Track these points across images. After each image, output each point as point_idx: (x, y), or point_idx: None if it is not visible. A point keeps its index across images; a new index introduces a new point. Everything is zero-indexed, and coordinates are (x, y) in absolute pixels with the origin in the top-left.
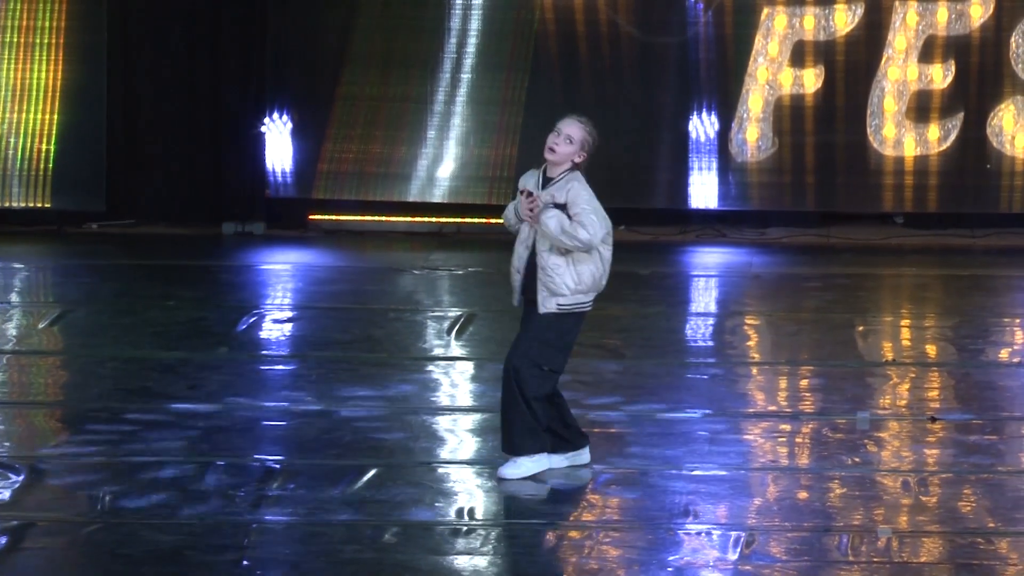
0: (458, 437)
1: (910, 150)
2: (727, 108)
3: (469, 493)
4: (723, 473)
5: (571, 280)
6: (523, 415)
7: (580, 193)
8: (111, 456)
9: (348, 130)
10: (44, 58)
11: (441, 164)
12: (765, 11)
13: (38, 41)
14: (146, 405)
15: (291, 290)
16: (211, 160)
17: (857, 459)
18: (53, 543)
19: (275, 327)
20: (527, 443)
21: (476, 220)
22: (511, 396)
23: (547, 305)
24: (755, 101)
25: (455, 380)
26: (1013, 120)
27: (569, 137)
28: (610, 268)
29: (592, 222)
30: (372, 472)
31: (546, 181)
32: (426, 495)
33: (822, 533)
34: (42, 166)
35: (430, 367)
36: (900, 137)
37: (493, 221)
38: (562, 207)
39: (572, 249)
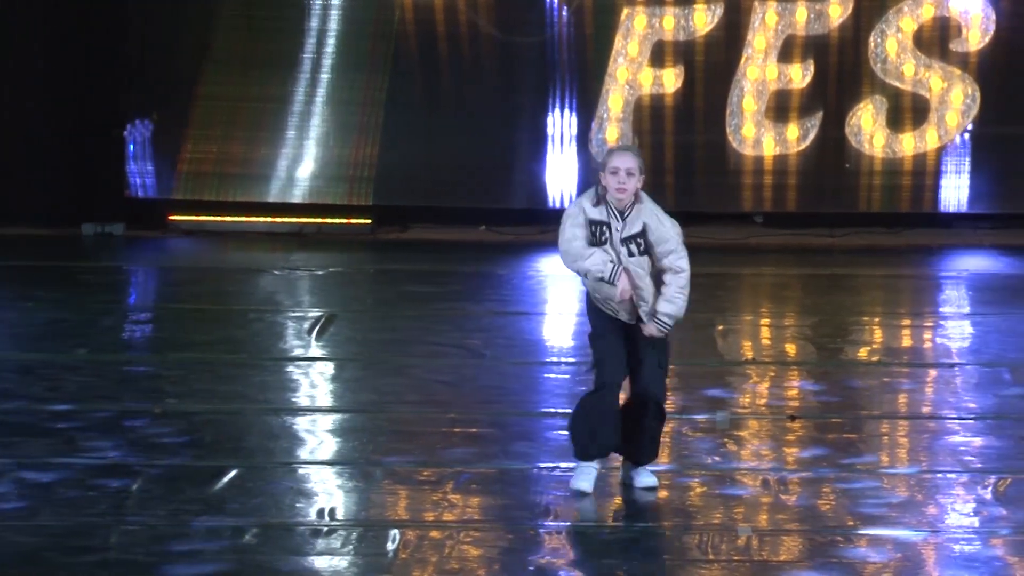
0: (318, 437)
1: (769, 150)
2: (587, 108)
3: (329, 494)
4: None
5: None
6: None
7: (660, 223)
8: None
9: (208, 130)
10: None
11: (301, 164)
12: (625, 11)
13: None
14: (5, 407)
15: (151, 291)
16: (71, 161)
17: (717, 458)
18: None
19: (135, 328)
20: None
21: (336, 220)
22: (656, 414)
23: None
24: (615, 101)
25: (315, 380)
26: (872, 119)
27: (630, 171)
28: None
29: (684, 254)
30: (232, 473)
31: (618, 212)
32: (286, 496)
33: (682, 532)
34: None
35: (290, 367)
36: (759, 137)
37: (353, 221)
38: (638, 235)
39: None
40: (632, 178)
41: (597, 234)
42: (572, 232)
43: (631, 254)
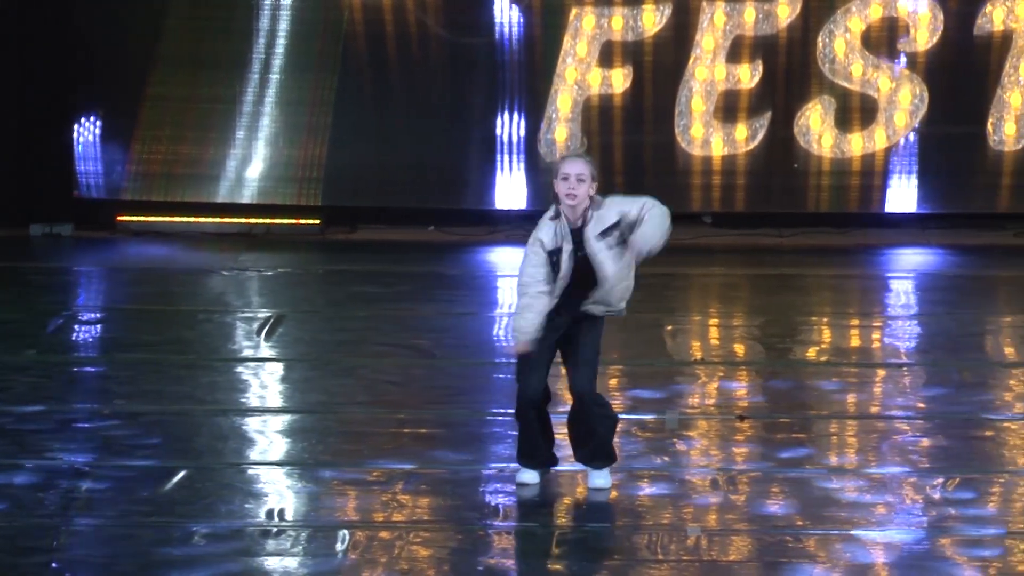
0: (268, 438)
1: (718, 150)
2: (536, 108)
3: (279, 494)
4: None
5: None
6: None
7: (616, 203)
8: None
9: (157, 131)
10: None
11: (250, 165)
12: (573, 11)
13: None
14: None
15: (100, 292)
16: (18, 161)
17: (666, 458)
18: None
19: (84, 329)
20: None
21: (285, 221)
22: (598, 418)
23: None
24: (564, 101)
25: (264, 381)
26: (820, 120)
27: (580, 176)
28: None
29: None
30: (182, 473)
31: (574, 231)
32: (236, 496)
33: (632, 532)
34: None
35: (239, 368)
36: (708, 137)
37: (302, 222)
38: (616, 226)
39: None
40: (583, 184)
41: (555, 262)
42: (531, 273)
43: (609, 247)
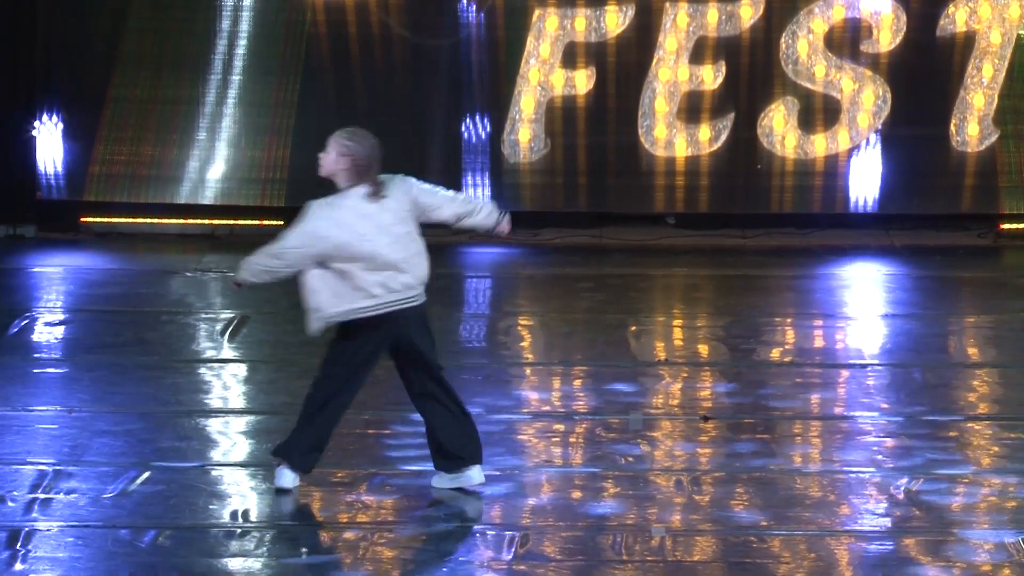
0: (231, 439)
1: (681, 151)
2: (499, 110)
3: (242, 495)
4: (497, 473)
5: None
6: None
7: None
8: None
9: (119, 132)
10: None
11: (213, 166)
12: (536, 12)
13: None
14: None
15: (63, 293)
16: None
17: (630, 458)
18: None
19: (47, 330)
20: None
21: (248, 222)
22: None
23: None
24: (527, 103)
25: (228, 382)
26: (783, 121)
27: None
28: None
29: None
30: (145, 475)
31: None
32: (199, 497)
33: (596, 532)
34: None
35: (203, 369)
36: (671, 138)
37: (265, 223)
38: None
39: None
40: (327, 156)
41: None
42: None
43: None
